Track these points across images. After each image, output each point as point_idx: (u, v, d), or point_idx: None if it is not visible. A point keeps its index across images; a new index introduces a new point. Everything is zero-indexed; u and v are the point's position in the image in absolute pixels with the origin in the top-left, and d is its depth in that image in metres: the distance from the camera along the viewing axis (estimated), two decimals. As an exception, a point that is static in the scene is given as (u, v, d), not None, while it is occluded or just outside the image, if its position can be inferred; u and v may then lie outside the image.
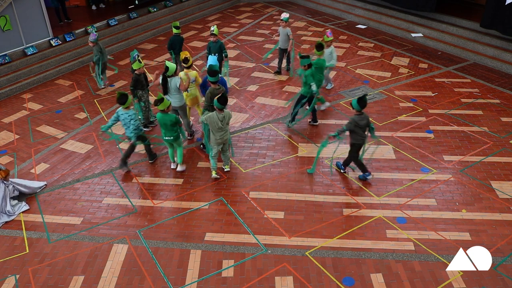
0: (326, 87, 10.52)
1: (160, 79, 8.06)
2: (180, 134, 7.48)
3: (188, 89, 8.28)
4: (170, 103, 7.26)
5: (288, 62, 11.43)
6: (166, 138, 7.36)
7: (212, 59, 8.06)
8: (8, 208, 6.80)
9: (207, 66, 7.91)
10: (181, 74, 8.27)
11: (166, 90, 8.01)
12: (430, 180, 7.28)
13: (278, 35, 10.98)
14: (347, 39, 14.05)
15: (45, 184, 7.48)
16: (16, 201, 6.98)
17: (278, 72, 11.45)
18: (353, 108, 6.88)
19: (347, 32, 14.75)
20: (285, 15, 10.57)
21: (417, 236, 6.16)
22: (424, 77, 11.11)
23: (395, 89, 10.45)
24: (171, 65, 7.85)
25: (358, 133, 6.90)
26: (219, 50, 9.99)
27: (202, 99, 8.52)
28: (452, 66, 11.83)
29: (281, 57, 11.26)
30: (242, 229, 6.38)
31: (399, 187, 7.13)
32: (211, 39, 9.97)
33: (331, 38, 9.65)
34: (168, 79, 7.97)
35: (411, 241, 6.09)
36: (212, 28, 9.86)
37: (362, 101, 6.75)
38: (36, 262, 5.94)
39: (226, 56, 10.18)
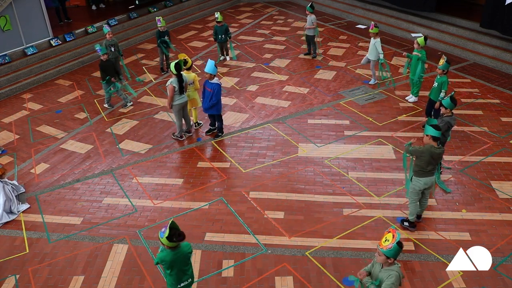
0: (370, 82, 10.85)
1: (174, 86, 7.90)
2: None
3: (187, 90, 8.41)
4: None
5: (315, 47, 12.52)
6: (184, 284, 4.73)
7: (210, 64, 7.93)
8: (14, 207, 6.81)
9: (205, 70, 7.99)
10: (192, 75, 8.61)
11: (182, 89, 8.05)
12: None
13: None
14: (347, 39, 14.05)
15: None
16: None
17: (308, 54, 12.70)
18: (446, 108, 6.84)
19: (347, 32, 14.74)
20: (308, 5, 12.02)
21: (417, 236, 6.16)
22: (424, 77, 11.07)
23: (395, 89, 10.45)
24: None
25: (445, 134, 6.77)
26: (225, 31, 11.78)
27: (200, 102, 8.66)
28: (452, 66, 11.80)
29: (309, 42, 12.47)
30: (242, 229, 6.38)
31: (399, 187, 7.12)
32: (217, 24, 11.64)
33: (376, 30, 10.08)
34: (183, 75, 8.05)
35: (411, 241, 6.08)
36: (216, 15, 11.63)
37: (454, 100, 6.81)
38: (36, 262, 5.94)
39: (230, 37, 12.08)
